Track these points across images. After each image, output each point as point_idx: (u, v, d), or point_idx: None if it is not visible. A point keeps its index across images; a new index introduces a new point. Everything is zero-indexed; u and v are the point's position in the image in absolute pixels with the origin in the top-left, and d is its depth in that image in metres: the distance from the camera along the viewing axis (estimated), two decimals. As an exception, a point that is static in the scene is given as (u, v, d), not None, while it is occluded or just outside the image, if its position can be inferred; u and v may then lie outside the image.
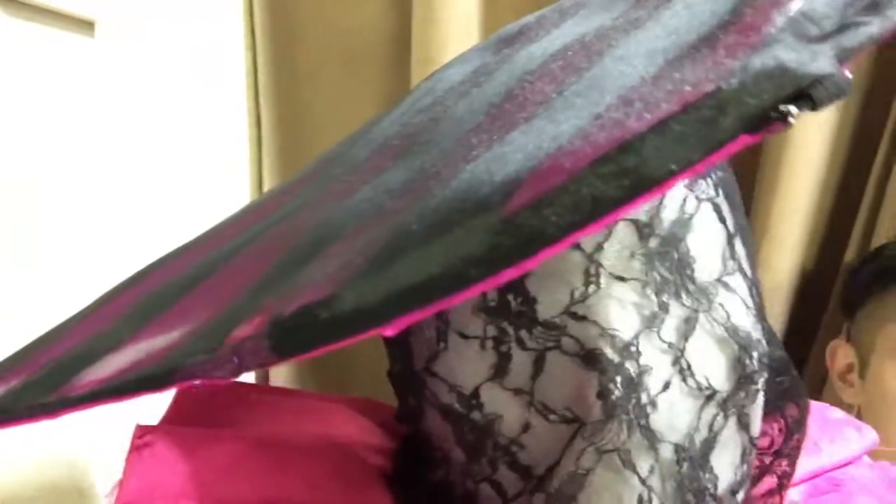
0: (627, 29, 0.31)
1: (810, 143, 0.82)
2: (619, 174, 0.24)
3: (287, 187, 0.41)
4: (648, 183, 0.23)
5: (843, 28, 0.26)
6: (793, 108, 0.23)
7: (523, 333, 0.32)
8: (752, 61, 0.25)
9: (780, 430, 0.38)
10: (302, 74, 0.88)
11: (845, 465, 0.47)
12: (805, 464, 0.45)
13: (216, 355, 0.27)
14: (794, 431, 0.39)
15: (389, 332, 0.25)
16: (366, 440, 0.40)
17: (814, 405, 0.53)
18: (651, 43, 0.28)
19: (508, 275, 0.24)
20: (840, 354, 0.82)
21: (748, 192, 0.88)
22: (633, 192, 0.24)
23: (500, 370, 0.32)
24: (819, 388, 0.90)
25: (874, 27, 0.26)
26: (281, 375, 0.90)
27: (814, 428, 0.47)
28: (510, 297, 0.32)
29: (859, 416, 0.84)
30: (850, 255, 0.88)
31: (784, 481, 0.38)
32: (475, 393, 0.33)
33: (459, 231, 0.25)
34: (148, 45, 0.67)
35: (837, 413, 0.51)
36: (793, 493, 0.45)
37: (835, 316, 0.89)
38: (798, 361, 0.91)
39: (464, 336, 0.33)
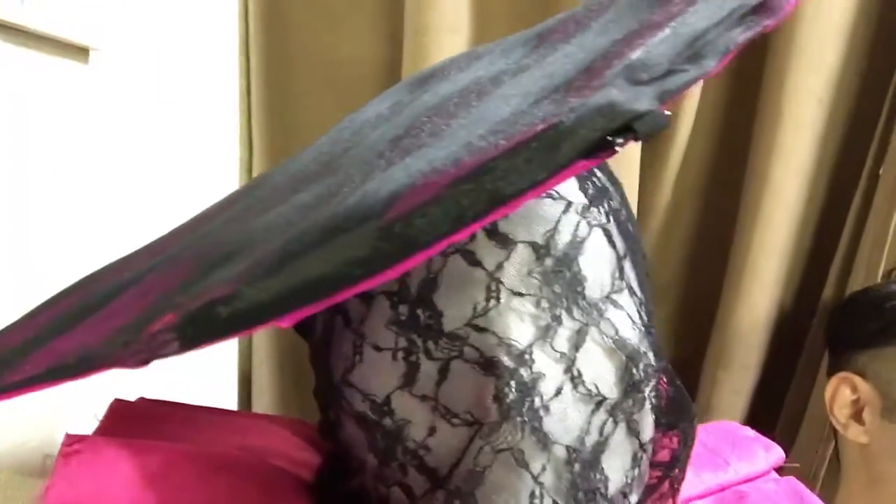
0: (516, 72, 0.35)
1: (788, 186, 0.84)
2: (478, 191, 0.28)
3: (217, 207, 0.44)
4: (502, 198, 0.28)
5: (667, 74, 0.30)
6: (618, 139, 0.27)
7: (430, 344, 0.35)
8: (589, 100, 0.29)
9: (678, 442, 0.41)
10: (294, 102, 0.89)
11: (752, 479, 0.50)
12: (713, 478, 0.48)
13: (130, 347, 0.29)
14: (689, 440, 0.41)
15: (285, 324, 0.28)
16: (291, 455, 0.42)
17: (726, 424, 0.57)
18: (530, 85, 0.33)
19: (387, 275, 0.28)
20: (847, 389, 0.78)
21: (729, 231, 0.90)
22: (490, 207, 0.28)
23: (409, 379, 0.36)
24: (797, 422, 0.91)
25: (690, 74, 0.30)
26: (264, 399, 0.91)
27: (725, 446, 0.51)
28: (419, 311, 0.35)
29: (836, 452, 0.84)
30: (827, 293, 0.90)
31: (676, 485, 0.41)
32: (387, 400, 0.36)
33: (346, 237, 0.29)
34: (143, 71, 0.68)
35: (748, 432, 0.55)
36: None
37: (813, 353, 0.90)
38: (777, 395, 0.92)
39: (378, 349, 0.36)
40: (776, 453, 0.54)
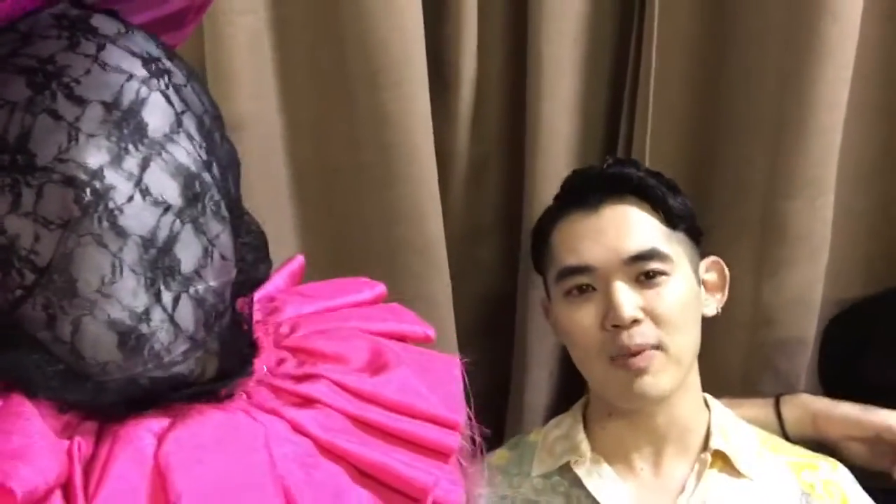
0: None
1: (558, 122, 0.96)
2: None
3: None
4: None
5: None
6: None
7: (28, 177, 0.49)
8: None
9: (253, 260, 0.57)
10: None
11: (357, 305, 0.69)
12: (324, 304, 0.67)
13: None
14: (261, 263, 0.58)
15: None
16: None
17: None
18: None
19: None
20: (548, 310, 0.91)
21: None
22: None
23: (14, 205, 0.49)
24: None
25: None
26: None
27: (343, 286, 0.70)
28: (18, 156, 0.49)
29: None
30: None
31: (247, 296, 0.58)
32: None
33: None
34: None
35: (363, 279, 0.72)
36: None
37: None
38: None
39: None
40: (379, 289, 0.71)
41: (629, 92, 0.98)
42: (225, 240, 0.54)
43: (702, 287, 0.86)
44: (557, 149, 0.96)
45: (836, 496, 0.83)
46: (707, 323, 0.87)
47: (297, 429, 0.54)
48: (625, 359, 0.79)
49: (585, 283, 0.82)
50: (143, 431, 0.51)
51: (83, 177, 0.49)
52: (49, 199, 0.49)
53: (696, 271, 0.84)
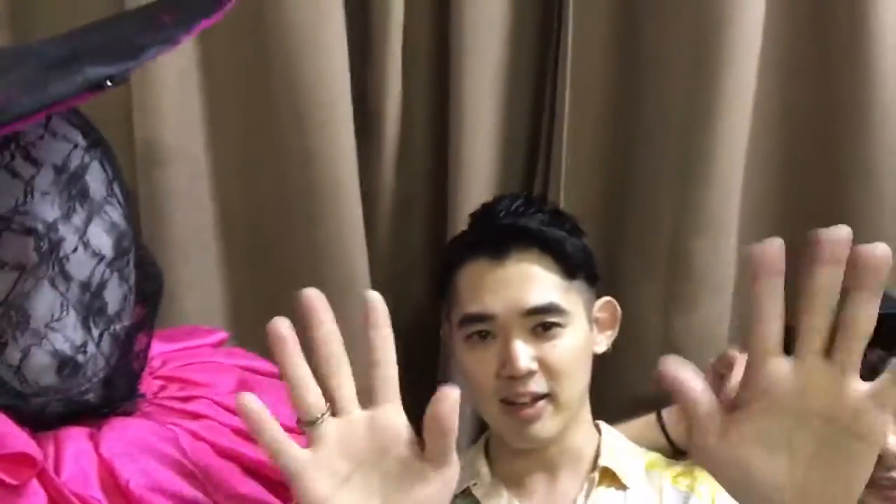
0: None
1: (478, 154, 1.00)
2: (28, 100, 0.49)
3: None
4: (22, 117, 0.48)
5: (134, 58, 0.53)
6: (107, 83, 0.51)
7: None
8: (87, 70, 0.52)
9: (152, 297, 0.66)
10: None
11: (204, 346, 0.80)
12: (181, 344, 0.78)
13: None
14: (157, 297, 0.66)
15: None
16: None
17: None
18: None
19: None
20: (449, 336, 0.94)
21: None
22: (39, 107, 0.49)
23: None
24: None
25: (134, 63, 0.53)
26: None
27: (194, 332, 0.83)
28: None
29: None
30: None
31: (146, 334, 0.66)
32: None
33: None
34: None
35: (205, 328, 0.85)
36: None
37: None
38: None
39: None
40: (223, 334, 0.84)
41: (546, 133, 1.02)
42: (138, 287, 0.63)
43: (594, 327, 0.90)
44: (479, 186, 1.00)
45: (707, 495, 0.87)
46: (619, 359, 0.92)
47: (195, 436, 0.65)
48: (517, 408, 0.84)
49: (486, 329, 0.85)
50: (77, 434, 0.60)
51: (41, 228, 0.57)
52: (7, 245, 0.56)
53: (589, 317, 0.89)
